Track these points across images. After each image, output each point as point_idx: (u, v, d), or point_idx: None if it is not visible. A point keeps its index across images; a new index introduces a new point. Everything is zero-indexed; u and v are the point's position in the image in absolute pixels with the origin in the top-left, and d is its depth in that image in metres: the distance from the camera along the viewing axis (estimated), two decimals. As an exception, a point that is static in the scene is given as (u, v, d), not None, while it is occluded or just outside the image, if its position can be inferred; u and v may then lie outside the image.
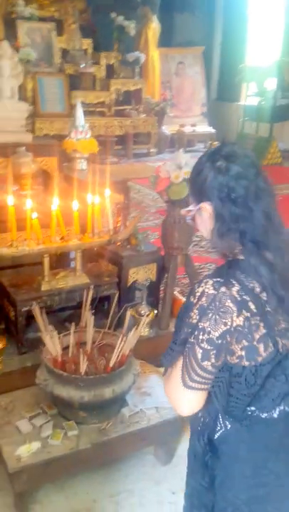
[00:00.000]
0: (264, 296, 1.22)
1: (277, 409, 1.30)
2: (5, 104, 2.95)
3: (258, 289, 1.22)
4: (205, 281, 1.24)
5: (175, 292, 3.11)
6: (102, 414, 2.29)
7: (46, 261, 2.58)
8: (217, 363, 1.22)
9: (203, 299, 1.22)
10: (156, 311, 2.91)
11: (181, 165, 2.72)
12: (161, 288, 3.07)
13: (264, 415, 1.30)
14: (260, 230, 1.24)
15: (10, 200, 2.41)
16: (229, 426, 1.32)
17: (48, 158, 3.07)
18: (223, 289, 1.20)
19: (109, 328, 2.46)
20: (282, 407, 1.30)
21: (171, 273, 2.92)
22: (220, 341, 1.20)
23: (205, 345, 1.21)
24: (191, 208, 1.36)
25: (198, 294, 1.24)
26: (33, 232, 2.48)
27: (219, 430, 1.34)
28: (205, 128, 10.87)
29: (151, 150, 9.42)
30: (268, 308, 1.21)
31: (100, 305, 2.78)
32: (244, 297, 1.20)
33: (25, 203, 2.45)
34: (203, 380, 1.23)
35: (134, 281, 2.92)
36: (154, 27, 10.01)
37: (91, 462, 2.25)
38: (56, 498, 2.26)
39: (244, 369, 1.23)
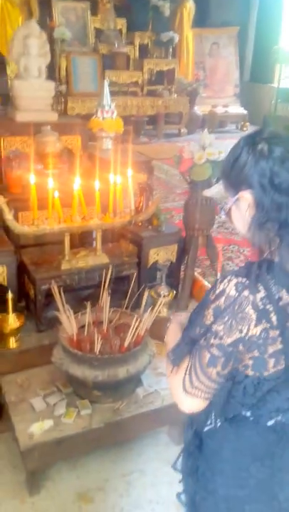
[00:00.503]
0: None
1: (274, 420, 1.18)
2: (32, 83, 2.85)
3: (285, 301, 1.06)
4: (229, 278, 1.09)
5: (195, 274, 2.99)
6: (117, 394, 2.22)
7: (67, 240, 2.49)
8: (223, 371, 1.10)
9: (222, 299, 1.08)
10: (175, 292, 2.80)
11: (204, 146, 2.58)
12: (182, 269, 2.95)
13: (257, 422, 1.19)
14: None
15: (32, 178, 2.33)
16: (219, 424, 1.22)
17: (73, 137, 2.96)
18: (246, 292, 1.05)
19: (126, 308, 2.37)
20: (279, 418, 1.18)
21: (191, 254, 2.80)
22: (231, 349, 1.07)
23: (214, 350, 1.08)
24: (228, 202, 1.20)
25: (218, 291, 1.09)
26: (54, 210, 2.40)
27: (209, 425, 1.24)
28: (237, 109, 10.57)
29: (182, 130, 9.21)
30: None
31: (120, 285, 2.69)
32: (267, 307, 1.05)
33: (47, 182, 2.36)
34: (205, 388, 1.11)
35: (154, 262, 2.81)
36: (189, 7, 9.69)
37: (104, 441, 2.19)
38: (68, 476, 2.21)
39: (246, 378, 1.11)
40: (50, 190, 2.33)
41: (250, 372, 1.11)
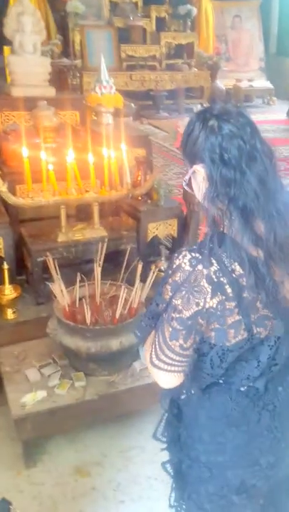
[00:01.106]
0: (244, 281, 1.10)
1: (246, 386, 1.23)
2: (27, 59, 2.96)
3: (238, 272, 1.10)
4: (183, 254, 1.14)
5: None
6: (112, 367, 2.29)
7: (63, 212, 2.56)
8: (185, 344, 1.14)
9: (178, 274, 1.13)
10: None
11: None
12: (184, 244, 2.99)
13: (230, 388, 1.24)
14: (252, 196, 1.12)
15: (25, 152, 2.40)
16: (193, 392, 1.26)
17: (72, 112, 3.03)
18: (200, 266, 1.10)
19: (122, 281, 2.43)
20: (251, 384, 1.23)
21: (192, 229, 2.84)
22: (190, 322, 1.12)
23: (175, 324, 1.13)
24: (186, 174, 1.24)
25: (174, 266, 1.15)
26: (49, 183, 2.46)
27: (184, 394, 1.29)
28: (263, 83, 10.42)
29: (205, 104, 9.13)
30: (246, 295, 1.10)
31: (120, 259, 2.75)
32: (221, 279, 1.10)
33: (41, 155, 2.43)
34: (170, 361, 1.16)
35: (154, 237, 2.86)
36: (208, -23, 9.55)
37: (99, 414, 2.25)
38: (66, 450, 2.28)
39: (211, 350, 1.16)
40: (44, 163, 2.40)
41: (213, 344, 1.15)
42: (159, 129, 7.13)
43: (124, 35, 8.22)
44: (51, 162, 2.44)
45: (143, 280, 2.42)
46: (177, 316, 1.12)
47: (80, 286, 2.35)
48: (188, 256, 1.12)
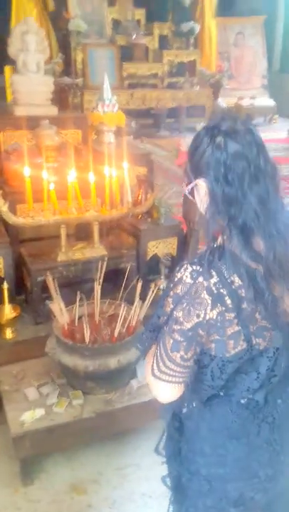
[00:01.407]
0: (243, 292, 1.15)
1: (246, 398, 1.28)
2: (31, 78, 3.03)
3: (237, 284, 1.16)
4: (185, 267, 1.19)
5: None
6: (110, 385, 2.33)
7: (63, 232, 2.63)
8: (186, 355, 1.19)
9: (179, 287, 1.18)
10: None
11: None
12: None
13: (230, 400, 1.28)
14: (252, 216, 1.16)
15: (26, 171, 2.47)
16: (194, 404, 1.32)
17: (74, 131, 3.11)
18: (200, 279, 1.15)
19: (122, 301, 2.49)
20: (250, 396, 1.27)
21: (191, 248, 2.90)
22: (191, 333, 1.17)
23: (176, 335, 1.18)
24: (190, 185, 1.28)
25: (176, 280, 1.20)
26: (50, 203, 2.53)
27: (186, 407, 1.34)
28: (265, 101, 10.52)
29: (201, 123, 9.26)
30: (245, 305, 1.16)
31: (119, 278, 2.81)
32: (221, 291, 1.15)
33: (43, 174, 2.50)
34: (171, 372, 1.21)
35: (154, 255, 2.92)
36: (211, -5, 9.73)
37: (97, 432, 2.30)
38: (63, 469, 2.33)
39: (211, 361, 1.21)
40: (45, 182, 2.47)
41: (213, 355, 1.19)
42: (159, 148, 7.23)
43: (126, 53, 8.36)
44: (52, 181, 2.51)
45: (142, 298, 2.48)
46: (178, 327, 1.17)
47: (79, 305, 2.41)
48: (190, 269, 1.17)
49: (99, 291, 2.34)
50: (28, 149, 2.92)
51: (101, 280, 2.44)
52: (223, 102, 9.62)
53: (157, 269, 3.02)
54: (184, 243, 2.96)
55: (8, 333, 2.53)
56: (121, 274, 2.79)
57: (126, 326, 2.28)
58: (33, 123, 2.91)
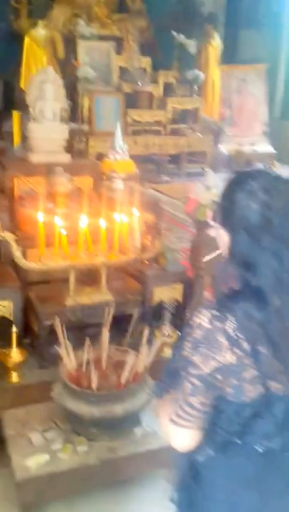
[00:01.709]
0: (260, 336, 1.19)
1: (263, 445, 1.29)
2: (46, 125, 3.14)
3: (253, 329, 1.19)
4: (202, 312, 1.22)
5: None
6: (114, 432, 2.35)
7: (72, 277, 2.69)
8: (205, 400, 1.22)
9: (198, 331, 1.21)
10: (179, 333, 2.94)
11: (210, 186, 2.78)
12: (188, 309, 3.10)
13: (247, 449, 1.29)
14: (272, 282, 1.19)
15: (40, 217, 2.55)
16: (212, 453, 1.33)
17: (85, 177, 3.22)
18: (217, 323, 1.19)
19: (128, 346, 2.53)
20: (267, 443, 1.29)
21: (197, 294, 2.95)
22: (209, 378, 1.20)
23: (194, 380, 1.20)
24: (214, 224, 1.32)
25: (193, 325, 1.23)
26: (61, 248, 2.61)
27: (202, 456, 1.34)
28: (265, 147, 10.75)
29: (206, 169, 9.45)
30: (262, 350, 1.19)
31: (125, 323, 2.85)
32: (239, 335, 1.18)
33: (56, 220, 2.59)
34: (190, 418, 1.22)
35: (159, 301, 2.98)
36: (215, 45, 10.10)
37: (100, 479, 2.30)
38: (64, 515, 2.31)
39: (227, 406, 1.23)
40: (57, 228, 2.55)
41: (230, 400, 1.22)
42: (160, 193, 7.38)
43: (131, 100, 8.59)
44: (64, 227, 2.59)
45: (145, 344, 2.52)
46: (196, 372, 1.20)
47: (84, 351, 2.44)
48: (207, 314, 1.21)
49: (107, 337, 2.38)
50: (40, 195, 3.02)
51: (106, 325, 2.49)
52: (224, 148, 9.88)
53: (160, 315, 3.06)
54: (189, 289, 3.01)
55: (14, 377, 2.56)
56: (126, 320, 2.84)
57: (132, 372, 2.31)
58: (46, 169, 3.01)
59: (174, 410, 1.23)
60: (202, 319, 1.22)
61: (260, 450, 1.29)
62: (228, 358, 1.19)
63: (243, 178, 1.26)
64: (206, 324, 1.20)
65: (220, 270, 1.31)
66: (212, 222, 1.35)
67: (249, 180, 1.23)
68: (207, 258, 2.55)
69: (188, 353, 1.23)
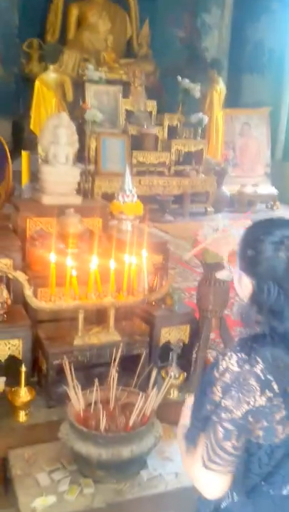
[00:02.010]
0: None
1: (288, 487, 1.30)
2: (59, 169, 3.24)
3: (282, 368, 1.22)
4: (229, 355, 1.25)
5: (209, 356, 3.16)
6: (120, 475, 2.34)
7: (81, 317, 2.73)
8: (238, 443, 1.22)
9: (227, 375, 1.23)
10: (186, 374, 2.96)
11: (217, 229, 2.85)
12: (195, 351, 3.13)
13: (272, 492, 1.30)
14: None
15: (52, 258, 2.62)
16: (236, 498, 1.33)
17: (95, 219, 3.31)
18: (247, 366, 1.21)
19: (135, 387, 2.55)
20: None
21: (204, 336, 2.99)
22: (242, 421, 1.21)
23: (227, 424, 1.21)
24: (235, 274, 1.36)
25: (221, 368, 1.25)
26: (71, 288, 2.66)
27: (226, 501, 1.35)
28: (268, 189, 10.95)
29: (209, 209, 9.62)
30: None
31: (132, 363, 2.87)
32: (268, 376, 1.21)
33: (67, 261, 2.65)
34: (223, 462, 1.23)
35: (166, 342, 3.01)
36: (219, 89, 10.42)
37: (106, 523, 2.29)
38: None
39: (259, 449, 1.25)
40: (69, 269, 2.61)
41: (262, 443, 1.24)
42: (164, 232, 7.49)
43: (136, 142, 8.84)
44: (74, 267, 2.65)
45: (153, 385, 2.54)
46: (229, 416, 1.21)
47: (92, 391, 2.46)
48: (235, 357, 1.24)
49: (116, 378, 2.41)
50: (51, 235, 3.09)
51: (115, 366, 2.52)
52: (227, 189, 10.05)
53: (167, 356, 3.09)
54: (196, 331, 3.05)
55: (22, 416, 2.57)
56: (133, 360, 2.87)
57: (140, 415, 2.32)
58: (58, 211, 3.10)
59: (207, 455, 1.24)
60: (230, 363, 1.24)
61: (285, 493, 1.30)
62: (259, 400, 1.21)
63: (267, 227, 1.30)
64: (235, 368, 1.23)
65: (242, 314, 1.32)
66: (231, 267, 1.40)
67: (274, 230, 1.27)
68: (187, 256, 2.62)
69: (218, 398, 1.24)
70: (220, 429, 1.23)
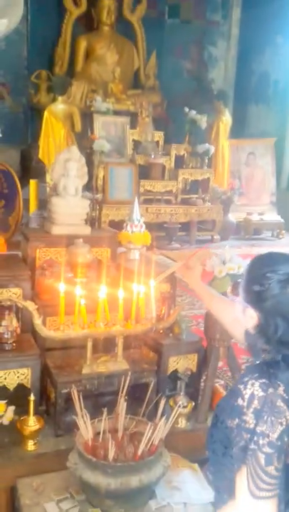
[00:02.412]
0: None
1: None
2: (69, 201, 3.32)
3: None
4: (251, 382, 1.32)
5: (217, 385, 3.18)
6: (129, 504, 2.34)
7: (89, 345, 2.76)
8: (279, 465, 1.27)
9: (255, 401, 1.29)
10: (194, 404, 2.98)
11: (225, 260, 2.90)
12: (203, 380, 3.14)
13: None
14: None
15: (62, 288, 2.67)
16: None
17: (103, 248, 3.37)
18: (270, 390, 1.29)
19: (143, 416, 2.56)
20: None
21: (212, 365, 3.01)
22: (279, 442, 1.27)
23: (266, 449, 1.27)
24: (240, 302, 1.43)
25: (247, 396, 1.31)
26: (80, 317, 2.70)
27: None
28: (273, 217, 11.06)
29: (215, 237, 9.70)
30: None
31: (140, 392, 2.89)
32: None
33: (76, 290, 2.70)
34: (270, 487, 1.27)
35: (174, 371, 3.03)
36: (225, 120, 10.62)
37: None
38: None
39: None
40: (78, 298, 2.66)
41: None
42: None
43: (144, 171, 9.00)
44: (83, 296, 2.70)
45: (161, 415, 2.55)
46: (267, 441, 1.27)
47: (100, 420, 2.48)
48: (256, 383, 1.31)
49: (124, 408, 2.43)
50: (60, 265, 3.15)
51: (123, 395, 2.54)
52: (233, 217, 10.15)
53: (173, 384, 3.11)
54: (204, 359, 3.07)
55: (30, 445, 2.58)
56: (141, 389, 2.89)
57: (148, 444, 2.33)
58: (67, 241, 3.17)
59: (254, 485, 1.28)
60: (254, 389, 1.31)
61: None
62: None
63: (271, 264, 1.37)
64: (260, 393, 1.30)
65: (250, 344, 1.40)
66: (237, 299, 1.47)
67: (279, 267, 1.35)
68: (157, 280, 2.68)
69: (253, 425, 1.30)
70: (260, 455, 1.27)
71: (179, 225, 9.13)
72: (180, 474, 2.57)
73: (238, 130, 11.48)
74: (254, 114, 12.07)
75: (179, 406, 2.72)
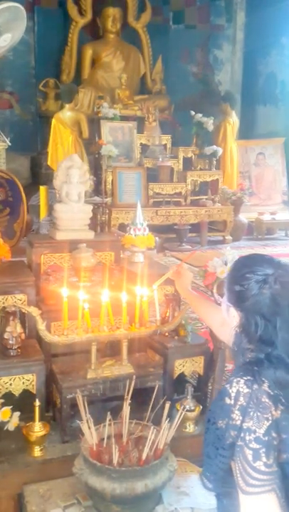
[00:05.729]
0: None
1: None
2: (72, 206, 3.33)
3: (284, 386, 1.30)
4: (236, 380, 1.33)
5: (224, 387, 3.12)
6: (135, 510, 2.29)
7: (94, 349, 2.73)
8: (268, 461, 1.26)
9: (241, 398, 1.30)
10: (201, 407, 2.92)
11: (227, 261, 2.85)
12: (210, 382, 3.09)
13: None
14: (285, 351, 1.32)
15: (65, 292, 2.64)
16: None
17: (107, 252, 3.36)
18: (255, 386, 1.29)
19: (148, 421, 2.52)
20: None
21: (219, 367, 2.95)
22: (266, 438, 1.26)
23: (254, 445, 1.26)
24: (224, 300, 1.49)
25: (233, 394, 1.31)
26: (84, 321, 2.68)
27: None
28: (285, 216, 10.96)
29: (227, 237, 9.62)
30: None
31: (146, 396, 2.85)
32: (275, 391, 1.30)
33: (79, 294, 2.67)
34: (260, 483, 1.25)
35: (180, 374, 2.98)
36: (232, 122, 10.56)
37: None
38: None
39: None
40: (81, 302, 2.63)
41: (283, 457, 1.28)
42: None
43: (152, 174, 8.98)
44: (86, 300, 2.67)
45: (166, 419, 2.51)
46: (253, 436, 1.27)
47: (105, 425, 2.44)
48: (242, 381, 1.31)
49: (128, 411, 2.39)
50: (64, 269, 3.13)
51: (127, 399, 2.50)
52: (244, 217, 10.07)
53: (181, 388, 3.05)
54: (210, 362, 3.02)
55: (37, 452, 2.55)
56: (147, 392, 2.84)
57: (154, 448, 2.29)
58: (70, 246, 3.16)
59: (243, 481, 1.27)
60: (239, 386, 1.31)
61: None
62: (275, 413, 1.28)
63: (251, 265, 1.40)
64: (245, 389, 1.30)
65: (236, 344, 1.41)
66: (221, 298, 1.48)
67: (258, 268, 1.38)
68: (155, 285, 2.65)
69: (239, 422, 1.30)
70: (248, 451, 1.26)
71: (190, 227, 9.07)
72: (188, 479, 2.52)
73: (247, 131, 11.42)
74: (262, 114, 11.99)
75: (184, 409, 2.66)
